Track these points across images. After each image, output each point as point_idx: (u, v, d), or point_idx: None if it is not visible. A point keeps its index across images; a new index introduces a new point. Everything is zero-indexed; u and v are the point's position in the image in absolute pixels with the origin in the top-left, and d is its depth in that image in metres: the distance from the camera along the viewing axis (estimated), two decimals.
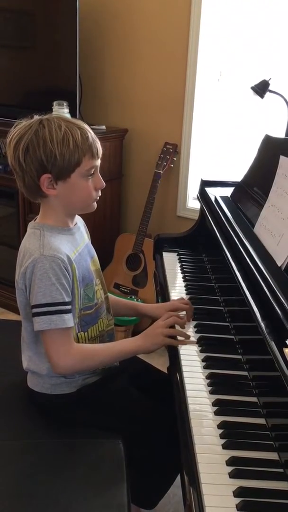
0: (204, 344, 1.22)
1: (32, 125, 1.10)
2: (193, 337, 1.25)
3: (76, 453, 1.16)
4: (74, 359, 1.15)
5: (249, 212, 1.41)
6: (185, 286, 1.54)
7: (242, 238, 1.24)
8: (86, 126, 1.14)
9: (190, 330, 1.28)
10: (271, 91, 1.99)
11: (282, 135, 1.91)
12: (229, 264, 1.22)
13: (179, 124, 2.49)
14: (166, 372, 1.33)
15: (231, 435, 0.93)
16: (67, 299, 1.12)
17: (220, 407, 1.00)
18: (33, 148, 1.08)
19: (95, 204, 1.21)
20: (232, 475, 0.85)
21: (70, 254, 1.15)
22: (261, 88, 1.99)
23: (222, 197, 1.58)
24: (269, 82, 1.98)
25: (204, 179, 1.77)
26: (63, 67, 2.51)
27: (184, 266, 1.67)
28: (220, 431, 0.94)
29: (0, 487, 1.07)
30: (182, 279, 1.58)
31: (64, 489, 1.06)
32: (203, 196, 1.71)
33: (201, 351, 1.20)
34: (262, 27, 2.20)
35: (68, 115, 2.14)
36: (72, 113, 2.35)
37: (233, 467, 0.86)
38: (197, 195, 1.78)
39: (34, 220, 1.22)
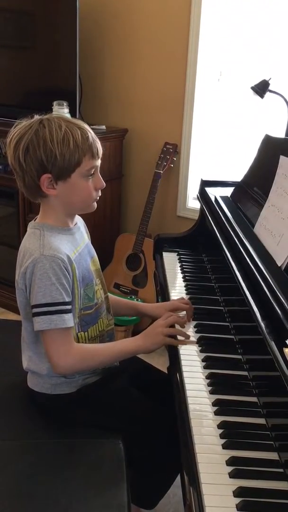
0: (204, 344, 1.22)
1: (32, 125, 1.10)
2: (193, 337, 1.25)
3: (76, 453, 1.16)
4: (74, 359, 1.15)
5: (249, 212, 1.41)
6: (185, 286, 1.54)
7: (242, 238, 1.24)
8: (86, 126, 1.14)
9: (190, 330, 1.28)
10: (271, 91, 1.99)
11: (282, 135, 1.91)
12: (229, 264, 1.22)
13: (179, 124, 2.49)
14: (166, 372, 1.33)
15: (231, 435, 0.93)
16: (67, 299, 1.12)
17: (220, 407, 1.00)
18: (33, 148, 1.08)
19: (95, 204, 1.21)
20: (232, 475, 0.85)
21: (70, 254, 1.15)
22: (261, 88, 1.99)
23: (222, 197, 1.58)
24: (269, 82, 1.98)
25: (204, 179, 1.77)
26: (63, 67, 2.51)
27: (184, 266, 1.67)
28: (220, 431, 0.94)
29: (0, 487, 1.07)
30: (182, 279, 1.58)
31: (64, 489, 1.06)
32: (203, 196, 1.71)
33: (201, 351, 1.20)
34: (262, 27, 2.20)
35: (68, 115, 2.14)
36: (72, 113, 2.35)
37: (233, 467, 0.86)
38: (197, 195, 1.78)
39: (34, 220, 1.22)
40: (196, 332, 1.27)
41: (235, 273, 1.16)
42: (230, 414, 0.99)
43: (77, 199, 1.17)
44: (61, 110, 2.28)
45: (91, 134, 1.13)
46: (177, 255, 1.76)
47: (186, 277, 1.58)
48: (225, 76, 2.41)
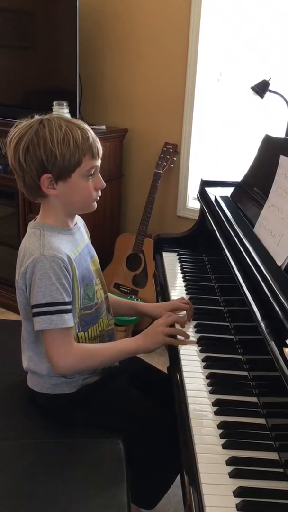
0: (204, 344, 1.22)
1: (32, 125, 1.10)
2: (193, 337, 1.25)
3: (76, 453, 1.16)
4: (74, 359, 1.15)
5: (249, 212, 1.41)
6: (185, 286, 1.54)
7: (242, 238, 1.24)
8: (87, 126, 1.14)
9: (190, 330, 1.28)
10: (271, 91, 1.99)
11: (282, 135, 1.91)
12: (229, 264, 1.22)
13: (179, 124, 2.49)
14: (166, 372, 1.33)
15: (231, 435, 0.93)
16: (67, 299, 1.12)
17: (220, 407, 1.00)
18: (34, 148, 1.08)
19: (95, 204, 1.21)
20: (232, 475, 0.85)
21: (70, 254, 1.15)
22: (261, 88, 1.99)
23: (222, 197, 1.58)
24: (269, 82, 1.98)
25: (204, 179, 1.77)
26: (63, 67, 2.51)
27: (184, 266, 1.67)
28: (220, 431, 0.94)
29: (0, 487, 1.07)
30: (182, 279, 1.58)
31: (64, 489, 1.06)
32: (203, 196, 1.71)
33: (201, 351, 1.20)
34: (262, 27, 2.20)
35: (68, 115, 2.14)
36: (72, 113, 2.35)
37: (233, 467, 0.86)
38: (197, 195, 1.78)
39: (34, 220, 1.22)
40: (196, 332, 1.27)
41: (235, 273, 1.16)
42: (230, 414, 0.99)
43: (77, 199, 1.17)
44: (61, 110, 2.28)
45: (91, 134, 1.13)
46: (177, 255, 1.76)
47: (186, 277, 1.58)
48: (225, 76, 2.41)
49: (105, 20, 2.61)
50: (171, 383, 1.14)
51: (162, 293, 1.54)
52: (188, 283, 1.55)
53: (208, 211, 1.59)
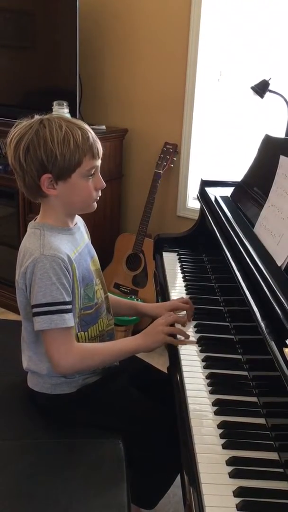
0: (204, 344, 1.22)
1: (32, 125, 1.10)
2: (193, 337, 1.25)
3: (76, 453, 1.16)
4: (74, 359, 1.15)
5: (249, 212, 1.41)
6: (185, 286, 1.54)
7: (242, 238, 1.24)
8: (87, 126, 1.14)
9: (190, 330, 1.28)
10: (271, 91, 1.99)
11: (282, 135, 1.91)
12: (229, 264, 1.22)
13: (179, 124, 2.49)
14: (166, 372, 1.33)
15: (231, 435, 0.93)
16: (67, 299, 1.12)
17: (220, 407, 1.00)
18: (34, 148, 1.08)
19: (95, 204, 1.21)
20: (232, 475, 0.85)
21: (70, 253, 1.15)
22: (261, 88, 1.99)
23: (222, 197, 1.58)
24: (269, 82, 1.98)
25: (204, 179, 1.77)
26: (63, 67, 2.51)
27: (184, 266, 1.67)
28: (220, 431, 0.94)
29: (0, 487, 1.07)
30: (182, 279, 1.58)
31: (64, 489, 1.06)
32: (203, 196, 1.71)
33: (201, 351, 1.20)
34: (262, 27, 2.20)
35: (68, 115, 2.14)
36: (72, 113, 2.35)
37: (233, 467, 0.86)
38: (197, 195, 1.78)
39: (34, 220, 1.22)
40: (196, 332, 1.27)
41: (235, 273, 1.16)
42: (230, 414, 0.99)
43: (77, 199, 1.17)
44: (61, 110, 2.28)
45: (91, 134, 1.13)
46: (177, 255, 1.76)
47: (186, 277, 1.58)
48: (225, 76, 2.41)
49: (105, 20, 2.61)
50: (171, 383, 1.14)
51: (162, 293, 1.54)
52: (188, 283, 1.55)
53: (208, 211, 1.59)
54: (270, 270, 1.05)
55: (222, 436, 0.93)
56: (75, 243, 1.21)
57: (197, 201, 1.80)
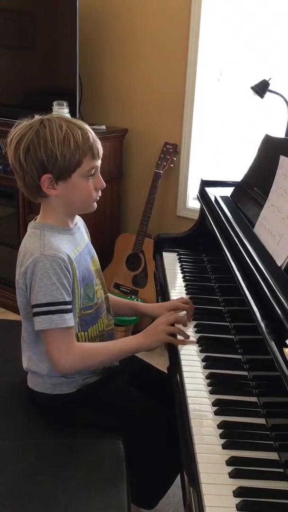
0: (204, 344, 1.22)
1: (33, 125, 1.10)
2: (193, 337, 1.25)
3: (76, 453, 1.17)
4: (75, 358, 1.15)
5: (249, 212, 1.41)
6: (185, 286, 1.54)
7: (242, 238, 1.24)
8: (87, 127, 1.14)
9: (190, 330, 1.28)
10: (271, 91, 1.99)
11: (282, 135, 1.91)
12: (229, 264, 1.22)
13: (179, 124, 2.49)
14: (166, 372, 1.33)
15: (231, 435, 0.93)
16: (67, 299, 1.12)
17: (220, 407, 1.00)
18: (34, 148, 1.08)
19: (95, 204, 1.21)
20: (232, 475, 0.85)
21: (71, 253, 1.15)
22: (261, 88, 1.99)
23: (222, 197, 1.58)
24: (269, 82, 1.98)
25: (204, 179, 1.77)
26: (63, 67, 2.51)
27: (184, 266, 1.67)
28: (220, 431, 0.94)
29: (0, 487, 1.07)
30: (182, 279, 1.58)
31: (64, 489, 1.06)
32: (203, 196, 1.71)
33: (201, 351, 1.20)
34: (262, 27, 2.20)
35: (68, 115, 2.14)
36: (72, 113, 2.35)
37: (233, 467, 0.86)
38: (197, 195, 1.78)
39: (34, 220, 1.22)
40: (196, 332, 1.27)
41: (235, 273, 1.16)
42: (230, 414, 0.99)
43: (78, 199, 1.17)
44: (61, 110, 2.28)
45: (91, 134, 1.13)
46: (177, 255, 1.76)
47: (186, 277, 1.58)
48: (225, 76, 2.41)
49: (105, 20, 2.61)
50: (171, 383, 1.14)
51: (162, 293, 1.54)
52: (188, 283, 1.55)
53: (208, 211, 1.59)
54: (270, 270, 1.05)
55: (222, 436, 0.93)
56: (75, 243, 1.21)
57: (197, 201, 1.80)
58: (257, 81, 2.00)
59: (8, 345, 1.44)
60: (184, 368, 1.13)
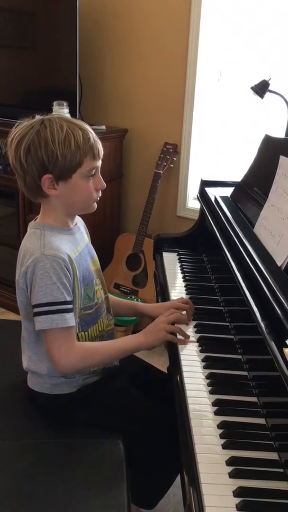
0: (204, 344, 1.22)
1: (33, 125, 1.10)
2: (193, 337, 1.25)
3: (76, 453, 1.17)
4: (75, 358, 1.15)
5: (249, 212, 1.41)
6: (185, 286, 1.54)
7: (242, 238, 1.24)
8: (88, 127, 1.14)
9: (190, 330, 1.28)
10: (271, 91, 1.99)
11: (282, 135, 1.91)
12: (229, 264, 1.22)
13: (179, 124, 2.49)
14: (166, 372, 1.33)
15: (231, 435, 0.93)
16: (68, 298, 1.12)
17: (220, 407, 1.00)
18: (35, 148, 1.08)
19: (95, 205, 1.21)
20: (232, 475, 0.85)
21: (71, 253, 1.16)
22: (261, 88, 1.99)
23: (222, 197, 1.58)
24: (269, 82, 1.98)
25: (204, 179, 1.77)
26: (63, 67, 2.51)
27: (184, 266, 1.67)
28: (220, 431, 0.94)
29: (0, 487, 1.07)
30: (182, 279, 1.58)
31: (64, 489, 1.06)
32: (203, 196, 1.71)
33: (201, 351, 1.20)
34: (262, 27, 2.21)
35: (68, 115, 2.14)
36: (72, 113, 2.35)
37: (233, 467, 0.86)
38: (197, 195, 1.78)
39: (35, 220, 1.22)
40: (196, 332, 1.27)
41: (235, 273, 1.16)
42: (230, 414, 0.99)
43: (78, 200, 1.17)
44: (61, 110, 2.28)
45: (92, 135, 1.13)
46: (177, 255, 1.76)
47: (186, 277, 1.58)
48: (225, 76, 2.41)
49: (105, 20, 2.61)
50: (171, 383, 1.14)
51: (162, 293, 1.54)
52: (188, 283, 1.55)
53: (208, 211, 1.59)
54: (270, 270, 1.05)
55: (222, 436, 0.93)
56: (75, 243, 1.21)
57: (197, 201, 1.80)
58: (257, 81, 2.00)
59: (8, 345, 1.44)
60: (184, 368, 1.13)
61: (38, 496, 1.05)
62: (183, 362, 1.15)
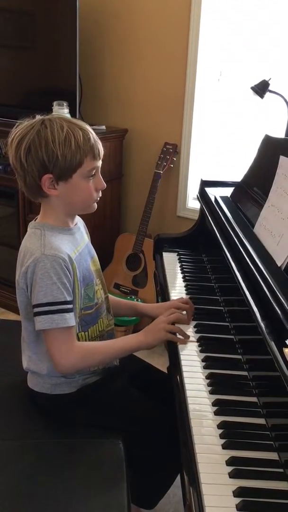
0: (204, 344, 1.22)
1: (34, 125, 1.10)
2: (193, 337, 1.25)
3: (76, 453, 1.17)
4: (76, 358, 1.15)
5: (249, 212, 1.41)
6: (185, 286, 1.54)
7: (242, 238, 1.24)
8: (88, 127, 1.14)
9: (190, 330, 1.28)
10: (271, 91, 1.99)
11: (282, 135, 1.91)
12: (229, 264, 1.22)
13: (179, 124, 2.49)
14: (166, 372, 1.33)
15: (231, 435, 0.93)
16: (68, 298, 1.12)
17: (220, 407, 1.00)
18: (35, 148, 1.08)
19: (95, 205, 1.21)
20: (232, 475, 0.85)
21: (71, 253, 1.16)
22: (261, 88, 1.99)
23: (222, 197, 1.58)
24: (269, 82, 1.98)
25: (204, 179, 1.77)
26: (63, 67, 2.51)
27: (184, 266, 1.67)
28: (220, 431, 0.94)
29: (0, 487, 1.07)
30: (182, 279, 1.58)
31: (64, 489, 1.06)
32: (203, 196, 1.71)
33: (201, 351, 1.20)
34: (262, 27, 2.21)
35: (68, 115, 2.14)
36: (72, 113, 2.35)
37: (233, 467, 0.86)
38: (197, 195, 1.78)
39: (35, 220, 1.22)
40: (196, 332, 1.27)
41: (235, 273, 1.16)
42: (230, 414, 0.99)
43: (78, 200, 1.17)
44: (61, 110, 2.28)
45: (92, 135, 1.13)
46: (177, 255, 1.76)
47: (186, 277, 1.58)
48: (225, 76, 2.41)
49: (105, 20, 2.61)
50: (171, 383, 1.14)
51: (162, 293, 1.54)
52: (188, 283, 1.55)
53: (208, 211, 1.59)
54: (270, 270, 1.05)
55: (222, 436, 0.93)
56: (75, 243, 1.21)
57: (197, 201, 1.80)
58: (257, 81, 2.00)
59: (8, 345, 1.44)
60: (184, 368, 1.13)
61: (38, 496, 1.05)
62: (183, 362, 1.15)
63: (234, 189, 1.61)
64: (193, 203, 2.54)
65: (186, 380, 1.09)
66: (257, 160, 1.55)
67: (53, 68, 2.56)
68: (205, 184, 1.75)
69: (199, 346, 1.22)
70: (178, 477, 1.06)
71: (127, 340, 1.24)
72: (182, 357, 1.17)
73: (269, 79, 1.98)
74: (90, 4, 2.58)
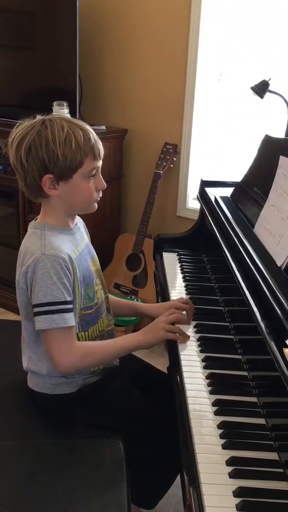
0: (204, 344, 1.22)
1: (34, 125, 1.10)
2: (193, 337, 1.25)
3: (76, 453, 1.17)
4: (75, 358, 1.15)
5: (249, 212, 1.41)
6: (185, 286, 1.54)
7: (242, 238, 1.24)
8: (88, 127, 1.14)
9: (190, 330, 1.28)
10: (271, 91, 1.99)
11: (282, 135, 1.92)
12: (229, 264, 1.22)
13: (179, 124, 2.49)
14: (166, 372, 1.33)
15: (231, 435, 0.93)
16: (68, 298, 1.12)
17: (220, 407, 1.00)
18: (36, 149, 1.08)
19: (96, 205, 1.21)
20: (232, 475, 0.85)
21: (71, 253, 1.16)
22: (261, 88, 1.99)
23: (222, 197, 1.58)
24: (269, 82, 1.98)
25: (204, 179, 1.77)
26: (63, 67, 2.51)
27: (184, 266, 1.67)
28: (220, 431, 0.95)
29: (0, 487, 1.07)
30: (182, 279, 1.58)
31: (64, 489, 1.06)
32: (203, 196, 1.71)
33: (201, 351, 1.20)
34: (262, 27, 2.21)
35: (68, 115, 2.14)
36: (72, 113, 2.35)
37: (233, 467, 0.86)
38: (197, 195, 1.78)
39: (35, 220, 1.22)
40: (196, 332, 1.27)
41: (235, 273, 1.17)
42: (230, 414, 0.99)
43: (78, 200, 1.17)
44: (61, 110, 2.28)
45: (93, 135, 1.14)
46: (177, 255, 1.76)
47: (186, 277, 1.58)
48: (225, 76, 2.41)
49: (105, 20, 2.61)
50: (171, 383, 1.14)
51: (162, 293, 1.54)
52: (188, 283, 1.55)
53: (208, 211, 1.59)
54: (270, 270, 1.05)
55: (222, 436, 0.93)
56: (75, 243, 1.21)
57: (197, 201, 1.80)
58: (257, 81, 2.00)
59: (8, 345, 1.44)
60: (184, 368, 1.13)
61: (38, 496, 1.05)
62: (183, 362, 1.15)
63: (234, 189, 1.61)
64: (193, 203, 2.54)
65: (186, 380, 1.09)
66: (257, 160, 1.55)
67: (53, 68, 2.56)
68: (205, 184, 1.75)
69: (199, 346, 1.22)
70: (178, 477, 1.06)
71: (127, 339, 1.24)
72: (182, 357, 1.17)
73: (269, 79, 1.98)
74: (90, 4, 2.58)
